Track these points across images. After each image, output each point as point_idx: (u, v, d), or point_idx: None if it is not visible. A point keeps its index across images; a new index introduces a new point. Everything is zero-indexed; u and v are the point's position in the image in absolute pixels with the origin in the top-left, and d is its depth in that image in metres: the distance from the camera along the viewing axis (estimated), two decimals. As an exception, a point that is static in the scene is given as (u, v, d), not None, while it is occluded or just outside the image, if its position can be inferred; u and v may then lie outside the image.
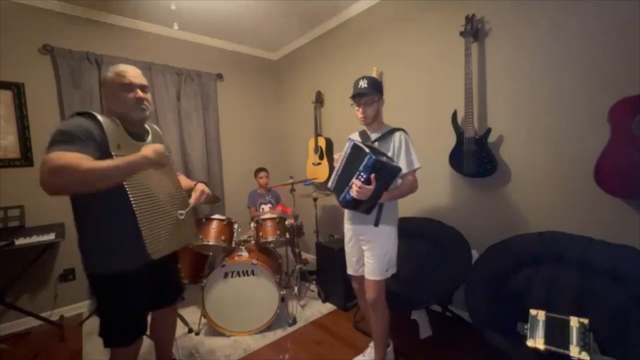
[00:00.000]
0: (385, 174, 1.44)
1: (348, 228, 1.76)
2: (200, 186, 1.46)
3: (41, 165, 0.98)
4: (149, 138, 1.32)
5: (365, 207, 1.51)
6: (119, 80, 1.20)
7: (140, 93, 1.23)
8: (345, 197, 1.49)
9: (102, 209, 1.14)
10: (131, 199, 1.14)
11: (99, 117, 1.14)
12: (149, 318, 1.39)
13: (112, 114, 1.21)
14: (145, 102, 1.25)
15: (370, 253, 1.65)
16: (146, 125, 1.36)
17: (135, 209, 1.15)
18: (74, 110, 2.41)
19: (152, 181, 1.25)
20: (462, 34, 1.98)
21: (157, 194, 1.26)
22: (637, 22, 1.48)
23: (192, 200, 1.41)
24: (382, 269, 1.62)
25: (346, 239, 1.80)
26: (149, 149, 1.14)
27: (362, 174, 1.40)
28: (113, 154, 1.10)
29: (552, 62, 1.77)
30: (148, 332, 1.40)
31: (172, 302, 1.49)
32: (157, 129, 1.41)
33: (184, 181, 1.51)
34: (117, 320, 1.23)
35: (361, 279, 1.74)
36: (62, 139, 1.03)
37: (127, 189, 1.13)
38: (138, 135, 1.26)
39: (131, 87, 1.22)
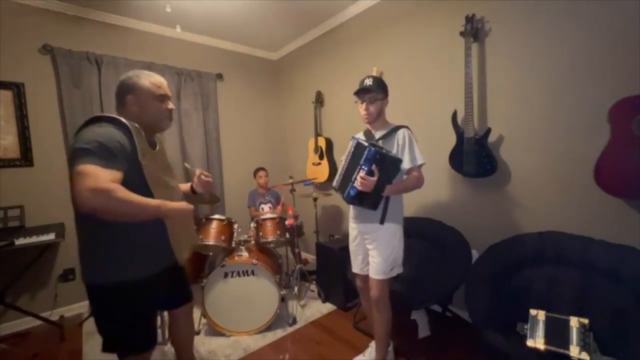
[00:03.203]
0: (386, 165, 1.45)
1: (353, 227, 1.76)
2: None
3: (79, 176, 0.94)
4: (158, 146, 1.32)
5: (370, 201, 1.51)
6: (157, 92, 1.22)
7: (171, 104, 1.28)
8: (349, 192, 1.50)
9: None
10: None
11: (129, 124, 1.11)
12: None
13: (136, 120, 1.17)
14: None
15: (375, 252, 1.64)
16: None
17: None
18: (74, 111, 2.54)
19: (168, 186, 1.28)
20: (462, 34, 1.98)
21: (173, 198, 1.28)
22: (637, 22, 1.49)
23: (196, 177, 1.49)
24: (386, 268, 1.62)
25: (351, 238, 1.80)
26: (189, 207, 1.22)
27: (363, 167, 1.42)
28: (142, 163, 1.11)
29: (552, 62, 1.77)
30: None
31: (181, 304, 1.47)
32: (159, 135, 1.42)
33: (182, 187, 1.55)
34: (135, 326, 1.19)
35: (366, 277, 1.74)
36: (100, 153, 0.99)
37: (154, 192, 1.13)
38: (152, 144, 1.27)
39: (166, 98, 1.26)
